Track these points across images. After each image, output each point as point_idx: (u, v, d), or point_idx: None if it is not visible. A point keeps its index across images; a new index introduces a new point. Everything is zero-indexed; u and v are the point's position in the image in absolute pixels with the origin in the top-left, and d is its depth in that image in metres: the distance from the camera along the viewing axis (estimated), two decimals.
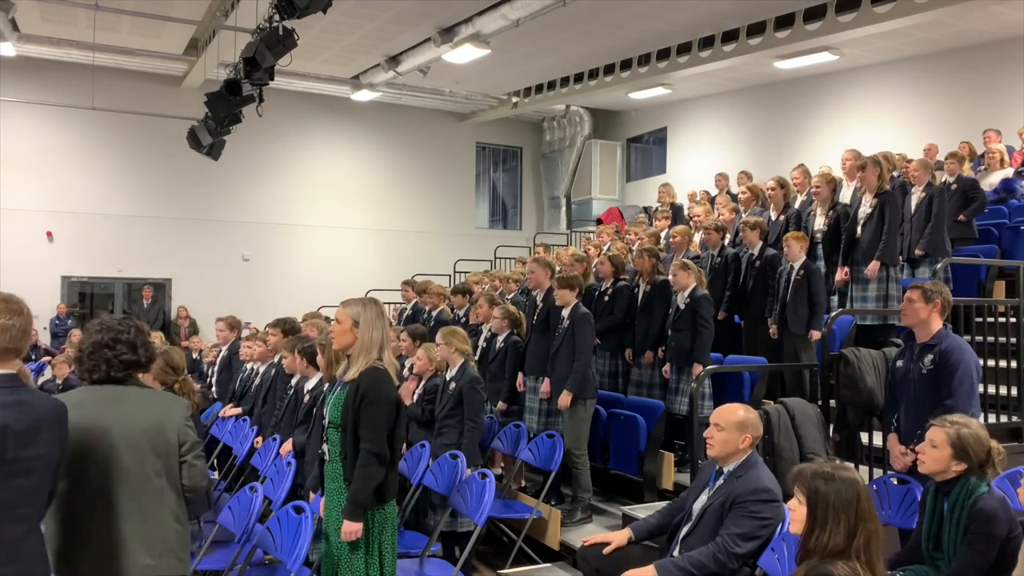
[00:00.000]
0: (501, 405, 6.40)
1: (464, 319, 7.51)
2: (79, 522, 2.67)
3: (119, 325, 2.86)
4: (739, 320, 7.12)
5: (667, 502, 5.43)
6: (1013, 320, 5.83)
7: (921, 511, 3.47)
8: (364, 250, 16.90)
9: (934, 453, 3.22)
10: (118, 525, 2.66)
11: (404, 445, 5.41)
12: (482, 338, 6.93)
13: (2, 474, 2.30)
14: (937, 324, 4.14)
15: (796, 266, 6.36)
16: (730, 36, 11.80)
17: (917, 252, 6.76)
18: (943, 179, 8.01)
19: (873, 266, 6.38)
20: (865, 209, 6.57)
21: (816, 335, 6.15)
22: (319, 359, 4.97)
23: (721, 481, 3.55)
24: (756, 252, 6.89)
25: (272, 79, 8.66)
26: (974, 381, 4.01)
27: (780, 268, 6.55)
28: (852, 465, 4.74)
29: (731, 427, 3.49)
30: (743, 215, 7.89)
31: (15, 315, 2.45)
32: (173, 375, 4.55)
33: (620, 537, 3.74)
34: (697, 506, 3.60)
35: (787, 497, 2.88)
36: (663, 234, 8.92)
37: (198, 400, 4.81)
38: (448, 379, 5.45)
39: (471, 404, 5.26)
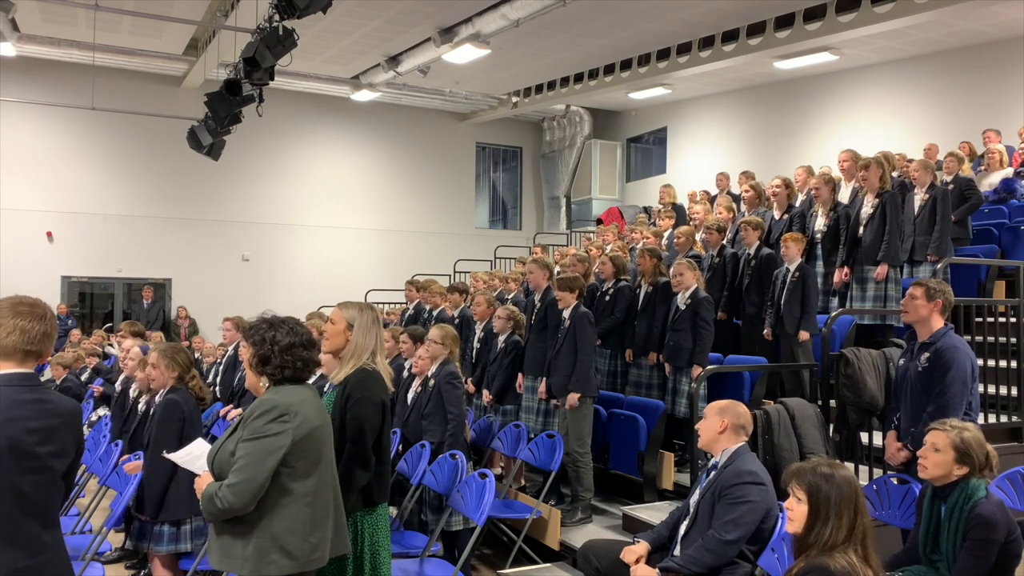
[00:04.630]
0: (487, 395, 6.42)
1: (459, 319, 7.51)
2: (332, 506, 2.95)
3: (301, 327, 2.98)
4: (738, 321, 7.11)
5: (667, 502, 5.47)
6: (1013, 320, 5.83)
7: (918, 513, 3.47)
8: (364, 250, 16.90)
9: (936, 457, 3.20)
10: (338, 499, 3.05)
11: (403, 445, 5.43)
12: (476, 338, 6.93)
13: (21, 470, 2.37)
14: (938, 323, 4.12)
15: (792, 268, 6.36)
16: (730, 36, 11.80)
17: (929, 257, 6.71)
18: (942, 179, 8.01)
19: (881, 270, 6.37)
20: (867, 209, 6.57)
21: (804, 336, 6.15)
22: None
23: (712, 475, 3.63)
24: (752, 252, 6.89)
25: (272, 79, 8.65)
26: (967, 382, 3.98)
27: (776, 270, 6.55)
28: (847, 463, 4.76)
29: (711, 413, 3.68)
30: (745, 214, 7.88)
31: (37, 319, 2.54)
32: (188, 372, 4.58)
33: (640, 549, 3.72)
34: (693, 501, 3.69)
35: (782, 496, 2.88)
36: (666, 235, 8.93)
37: (209, 398, 4.84)
38: (428, 376, 5.45)
39: (449, 397, 5.26)
